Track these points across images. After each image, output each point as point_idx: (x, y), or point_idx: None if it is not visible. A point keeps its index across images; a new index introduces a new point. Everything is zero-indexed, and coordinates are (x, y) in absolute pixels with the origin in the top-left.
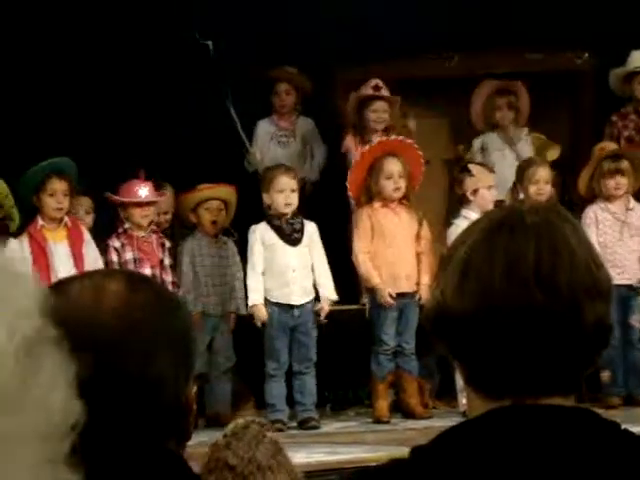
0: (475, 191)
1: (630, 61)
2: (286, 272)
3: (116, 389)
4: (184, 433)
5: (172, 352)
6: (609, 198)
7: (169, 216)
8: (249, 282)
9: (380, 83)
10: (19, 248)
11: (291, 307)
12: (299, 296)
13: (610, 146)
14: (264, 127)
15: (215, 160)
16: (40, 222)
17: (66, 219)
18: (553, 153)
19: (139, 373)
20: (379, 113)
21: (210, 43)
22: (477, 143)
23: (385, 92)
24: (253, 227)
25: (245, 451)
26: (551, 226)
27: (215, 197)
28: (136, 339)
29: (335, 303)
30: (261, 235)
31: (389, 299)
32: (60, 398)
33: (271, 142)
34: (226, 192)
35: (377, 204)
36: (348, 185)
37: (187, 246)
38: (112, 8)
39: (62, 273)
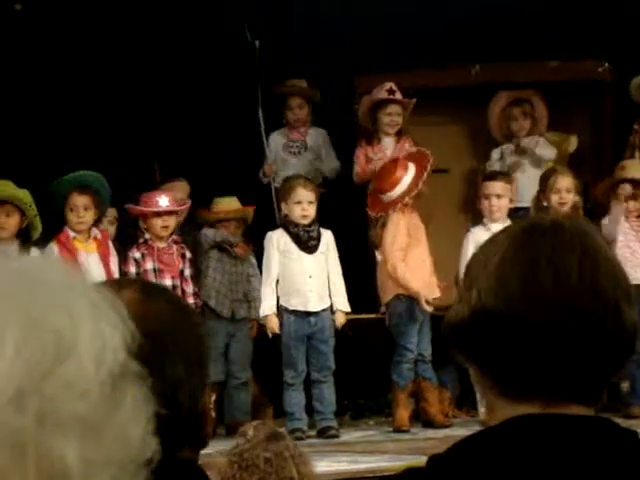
0: (479, 200)
1: None
2: (303, 279)
3: None
4: (200, 441)
5: (186, 361)
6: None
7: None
8: (263, 290)
9: (394, 86)
10: (50, 254)
11: (308, 314)
12: (316, 303)
13: (630, 168)
14: (276, 139)
15: (238, 170)
16: (71, 233)
17: (96, 232)
18: (572, 143)
19: (155, 381)
20: (393, 116)
21: (257, 43)
22: (495, 154)
23: (398, 95)
24: (270, 234)
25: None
26: (585, 231)
27: (232, 218)
28: (150, 348)
29: (354, 312)
30: (277, 242)
31: (425, 305)
32: (138, 432)
33: (283, 153)
34: (243, 212)
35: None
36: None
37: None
38: (126, 18)
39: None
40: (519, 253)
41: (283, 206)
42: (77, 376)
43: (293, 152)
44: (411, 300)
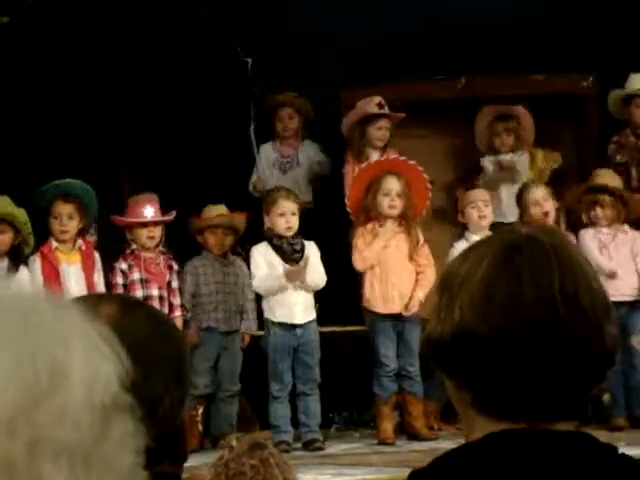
0: (463, 213)
1: (629, 84)
2: (288, 291)
3: None
4: (180, 455)
5: (166, 376)
6: (594, 225)
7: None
8: (256, 278)
9: (382, 101)
10: (31, 268)
11: (293, 327)
12: (301, 315)
13: (603, 176)
14: (267, 153)
15: (222, 179)
16: (54, 244)
17: (80, 242)
18: (556, 162)
19: (133, 396)
20: (383, 131)
21: (250, 61)
22: (486, 162)
23: (387, 109)
24: (254, 248)
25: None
26: (565, 248)
27: (221, 224)
28: (130, 363)
29: (339, 324)
30: (263, 255)
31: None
32: (127, 464)
33: (274, 168)
34: (232, 221)
35: (372, 225)
36: (347, 202)
37: (190, 265)
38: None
39: (74, 293)
40: (500, 272)
41: (266, 219)
42: (69, 405)
43: (283, 169)
44: (382, 315)
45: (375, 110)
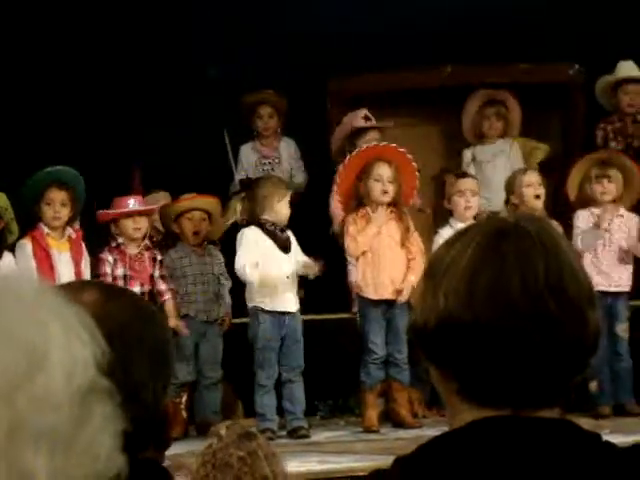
0: (449, 200)
1: (616, 71)
2: (281, 279)
3: None
4: (163, 442)
5: (149, 361)
6: (596, 204)
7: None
8: (240, 260)
9: (368, 113)
10: (22, 251)
11: (282, 315)
12: (292, 304)
13: (600, 151)
14: (248, 154)
15: (210, 173)
16: (45, 229)
17: (70, 231)
18: (541, 153)
19: (116, 382)
20: (372, 142)
21: (215, 70)
22: (468, 154)
23: (374, 121)
24: (245, 230)
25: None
26: (549, 235)
27: (196, 208)
28: (112, 349)
29: (325, 312)
30: (255, 238)
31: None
32: (106, 448)
33: (257, 169)
34: (206, 202)
35: (363, 211)
36: (336, 187)
37: (167, 258)
38: (114, 25)
39: (65, 278)
40: (485, 259)
41: (260, 206)
42: (48, 389)
43: (266, 170)
44: (373, 301)
45: (362, 124)
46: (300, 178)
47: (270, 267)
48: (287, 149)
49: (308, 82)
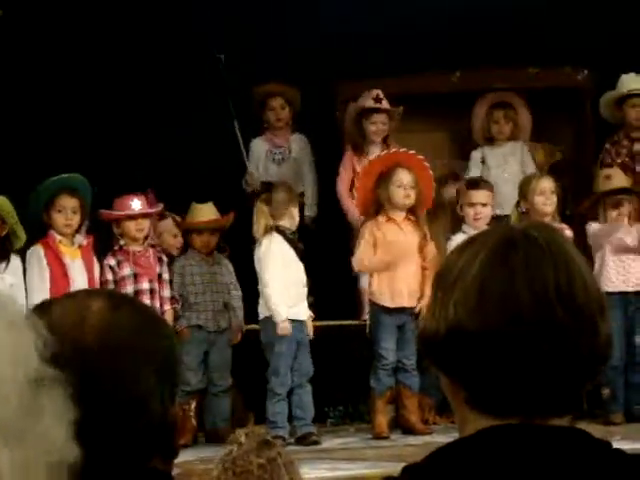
0: (462, 207)
1: (620, 85)
2: (299, 287)
3: (100, 408)
4: (171, 450)
5: (156, 370)
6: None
7: (180, 240)
8: (273, 295)
9: (380, 94)
10: (35, 258)
11: (296, 323)
12: (306, 311)
13: (616, 177)
14: (259, 145)
15: (216, 177)
16: (57, 237)
17: (80, 239)
18: (555, 156)
19: (124, 391)
20: (378, 125)
21: (222, 57)
22: (477, 155)
23: (385, 103)
24: (270, 238)
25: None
26: (559, 244)
27: (206, 228)
28: (119, 358)
29: (336, 319)
30: (280, 248)
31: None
32: (60, 437)
33: (267, 160)
34: (218, 224)
35: (382, 218)
36: (355, 193)
37: (177, 265)
38: (118, 24)
39: (79, 285)
40: (494, 268)
41: (277, 212)
42: None
43: (277, 160)
44: (388, 308)
45: (371, 104)
46: (309, 178)
47: (290, 275)
48: (298, 142)
49: (315, 85)
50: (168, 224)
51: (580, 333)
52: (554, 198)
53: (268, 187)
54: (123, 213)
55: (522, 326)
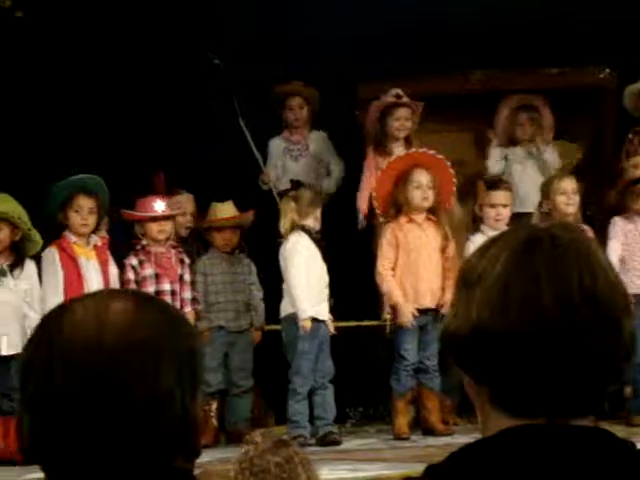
0: (481, 207)
1: None
2: (322, 286)
3: (123, 408)
4: (193, 450)
5: (178, 370)
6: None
7: (189, 218)
8: (298, 292)
9: (401, 92)
10: (49, 260)
11: (318, 322)
12: (326, 312)
13: None
14: (276, 144)
15: (232, 177)
16: (72, 238)
17: (96, 239)
18: (576, 154)
19: (146, 391)
20: (402, 121)
21: (220, 62)
22: (498, 152)
23: (406, 100)
24: (296, 235)
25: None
26: (583, 243)
27: (226, 225)
28: (142, 358)
29: (356, 319)
30: (306, 247)
31: (410, 318)
32: None
33: (285, 157)
34: (236, 221)
35: (403, 219)
36: (374, 195)
37: (200, 264)
38: (128, 26)
39: (94, 286)
40: (518, 268)
41: (304, 212)
42: None
43: (294, 156)
44: None
45: (392, 101)
46: (338, 172)
47: (313, 274)
48: (316, 141)
49: (335, 86)
50: (179, 201)
51: (603, 332)
52: (576, 198)
53: (296, 185)
54: (146, 215)
55: (545, 326)
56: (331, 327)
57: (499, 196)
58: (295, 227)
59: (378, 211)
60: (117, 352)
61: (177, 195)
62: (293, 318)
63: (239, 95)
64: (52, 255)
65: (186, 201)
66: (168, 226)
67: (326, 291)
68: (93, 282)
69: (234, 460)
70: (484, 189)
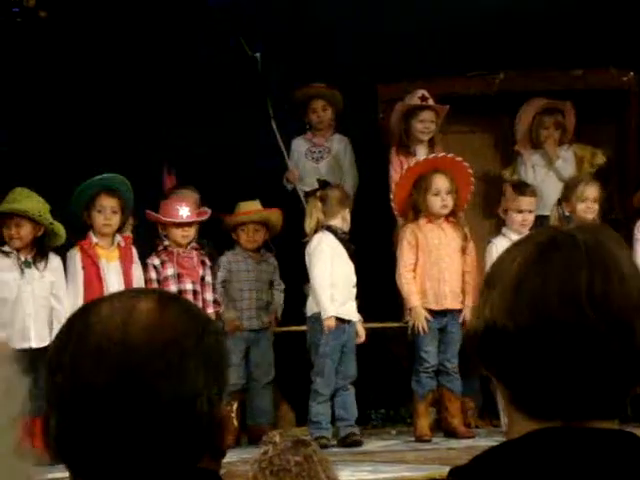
0: (506, 211)
1: None
2: (349, 286)
3: (149, 408)
4: (219, 450)
5: (204, 369)
6: None
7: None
8: (321, 290)
9: (426, 94)
10: (71, 262)
11: (344, 323)
12: (353, 312)
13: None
14: (299, 144)
15: (257, 175)
16: (94, 239)
17: (119, 239)
18: (600, 158)
19: (172, 391)
20: (426, 123)
21: (258, 55)
22: (523, 156)
23: (431, 102)
24: (321, 234)
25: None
26: (601, 246)
27: (251, 221)
28: (167, 358)
29: (377, 321)
30: (331, 246)
31: (424, 323)
32: (14, 411)
33: (306, 158)
34: (262, 216)
35: (423, 220)
36: (392, 199)
37: (223, 260)
38: (155, 23)
39: (114, 288)
40: (532, 269)
41: (331, 211)
42: None
43: (315, 158)
44: (431, 311)
45: (417, 102)
46: (350, 181)
47: (341, 274)
48: (339, 142)
49: (356, 87)
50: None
51: (612, 335)
52: (596, 206)
53: (323, 185)
54: (170, 220)
55: (551, 327)
56: (361, 332)
57: (527, 202)
58: (320, 226)
59: (397, 213)
60: (142, 351)
61: (182, 189)
62: (318, 317)
63: (271, 92)
64: (74, 257)
65: (190, 196)
66: (192, 232)
67: (353, 291)
68: (114, 284)
69: (252, 460)
70: (511, 193)
